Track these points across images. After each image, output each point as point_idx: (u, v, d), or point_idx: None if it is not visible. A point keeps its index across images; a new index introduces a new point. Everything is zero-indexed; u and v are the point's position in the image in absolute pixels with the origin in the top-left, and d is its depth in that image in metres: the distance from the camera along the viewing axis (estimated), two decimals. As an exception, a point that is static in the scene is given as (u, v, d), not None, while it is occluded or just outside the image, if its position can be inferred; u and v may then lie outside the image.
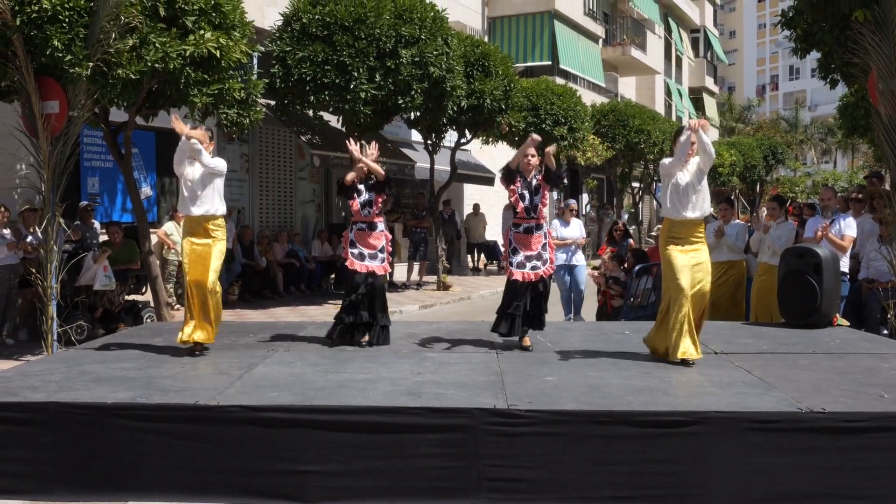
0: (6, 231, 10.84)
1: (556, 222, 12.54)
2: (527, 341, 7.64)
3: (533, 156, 7.62)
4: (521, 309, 7.59)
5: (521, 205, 7.61)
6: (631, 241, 13.20)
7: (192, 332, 7.23)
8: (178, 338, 7.30)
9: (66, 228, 10.65)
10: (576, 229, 12.57)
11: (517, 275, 7.57)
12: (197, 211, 7.28)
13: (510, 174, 7.69)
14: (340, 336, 7.88)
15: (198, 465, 5.31)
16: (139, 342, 7.95)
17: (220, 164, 7.37)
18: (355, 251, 7.85)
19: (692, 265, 6.78)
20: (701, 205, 6.87)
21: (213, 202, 7.32)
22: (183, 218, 7.53)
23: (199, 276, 7.23)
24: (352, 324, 7.83)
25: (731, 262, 10.50)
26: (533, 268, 7.57)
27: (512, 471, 5.16)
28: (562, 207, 12.68)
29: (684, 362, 6.65)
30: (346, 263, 7.89)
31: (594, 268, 12.19)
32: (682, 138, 6.86)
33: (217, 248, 7.33)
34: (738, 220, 11.11)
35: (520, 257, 7.60)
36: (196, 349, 7.30)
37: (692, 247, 6.85)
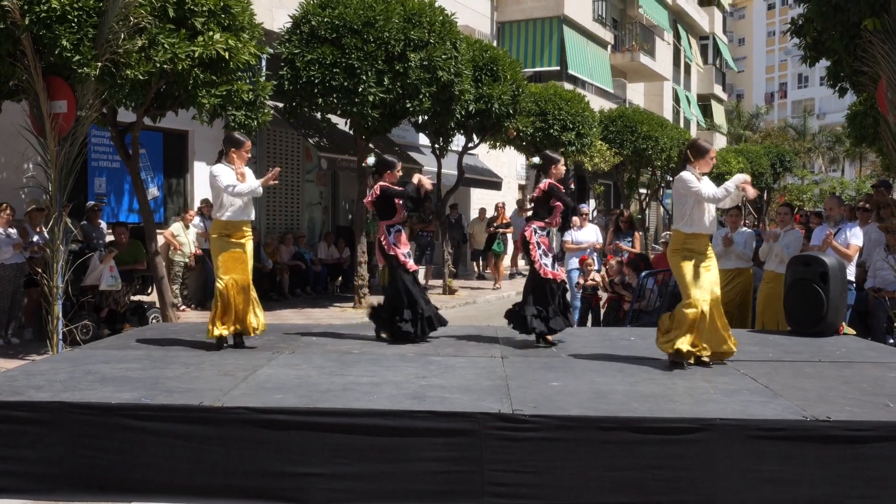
0: (12, 230, 10.85)
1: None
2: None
3: (563, 165, 8.18)
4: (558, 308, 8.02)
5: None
6: (637, 233, 13.22)
7: (250, 324, 7.75)
8: (211, 333, 7.68)
9: (73, 228, 10.67)
10: (591, 233, 12.66)
11: (551, 274, 7.93)
12: (237, 217, 7.72)
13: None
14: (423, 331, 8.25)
15: (202, 467, 5.30)
16: (144, 343, 7.97)
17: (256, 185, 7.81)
18: (403, 251, 8.24)
19: (707, 276, 6.86)
20: (715, 221, 7.05)
21: (250, 210, 7.84)
22: (218, 220, 7.83)
23: (240, 275, 7.66)
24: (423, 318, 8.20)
25: (739, 269, 10.48)
26: (556, 267, 8.05)
27: (516, 476, 5.15)
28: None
29: (676, 361, 6.81)
30: (407, 267, 8.18)
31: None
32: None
33: (250, 248, 7.86)
34: (745, 228, 11.10)
35: (549, 259, 7.98)
36: (236, 340, 7.81)
37: (705, 258, 6.92)
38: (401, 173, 8.40)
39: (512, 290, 20.02)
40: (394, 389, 5.93)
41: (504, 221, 21.18)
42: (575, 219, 12.68)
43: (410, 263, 8.22)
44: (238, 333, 7.80)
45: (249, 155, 7.98)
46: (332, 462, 5.22)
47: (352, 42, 13.93)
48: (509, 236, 21.70)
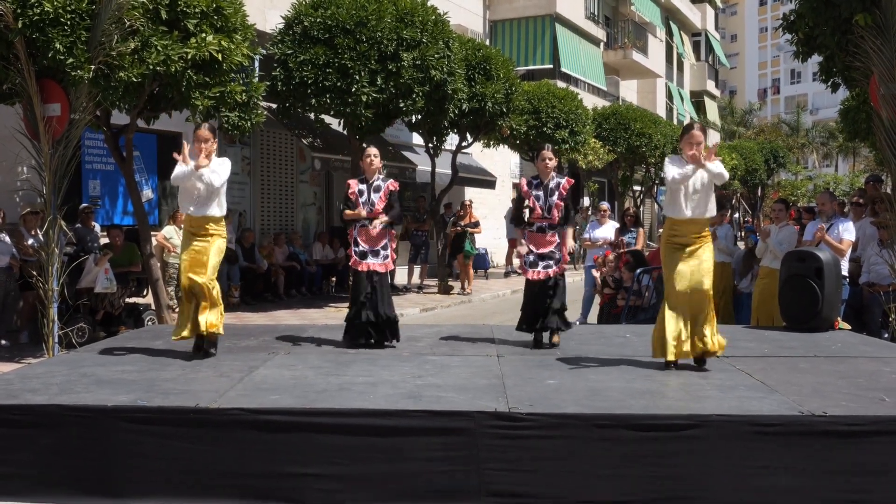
0: (4, 236, 10.82)
1: (591, 224, 12.86)
2: (556, 339, 7.88)
3: (550, 159, 7.84)
4: (530, 307, 7.80)
5: (537, 205, 7.80)
6: (641, 229, 13.30)
7: (201, 326, 7.18)
8: (175, 336, 7.35)
9: (67, 231, 10.65)
10: (609, 230, 12.76)
11: (530, 274, 7.79)
12: (197, 212, 7.24)
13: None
14: (353, 337, 7.89)
15: (198, 468, 5.30)
16: (140, 345, 7.95)
17: (221, 177, 7.26)
18: (358, 249, 7.81)
19: (690, 266, 6.61)
20: (702, 206, 6.67)
21: (213, 205, 7.26)
22: (183, 217, 7.46)
23: (195, 273, 7.15)
24: (363, 323, 7.83)
25: (722, 264, 10.59)
26: (545, 266, 7.76)
27: (512, 474, 5.15)
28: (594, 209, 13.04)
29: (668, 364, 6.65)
30: (350, 262, 7.87)
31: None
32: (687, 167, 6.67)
33: (216, 245, 7.26)
34: (727, 223, 11.27)
35: (532, 257, 7.80)
36: (207, 345, 7.28)
37: (692, 246, 6.65)
38: (373, 159, 7.89)
39: (506, 290, 20.03)
40: (390, 389, 5.94)
41: (473, 220, 19.95)
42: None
43: (359, 263, 7.79)
44: (200, 337, 7.31)
45: (205, 144, 7.17)
46: (328, 462, 5.22)
47: (344, 42, 13.94)
48: (477, 236, 20.40)
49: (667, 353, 6.65)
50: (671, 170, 6.66)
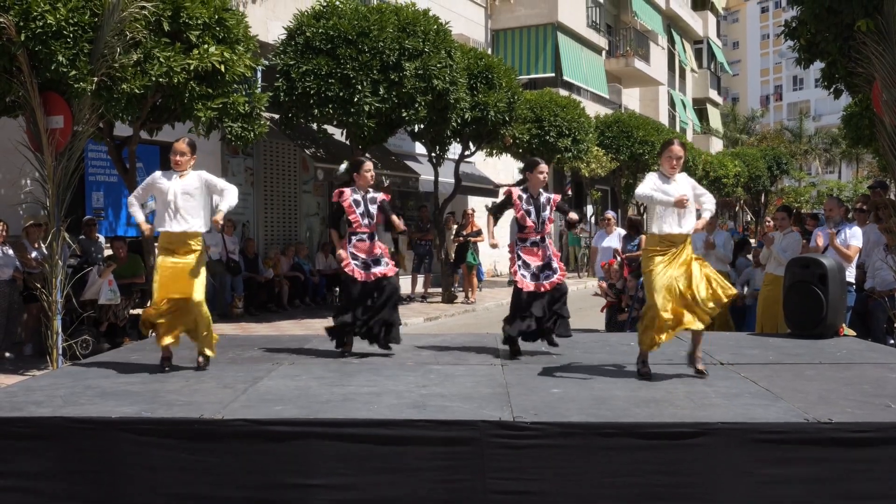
0: (7, 249, 10.83)
1: (598, 233, 13.02)
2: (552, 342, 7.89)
3: (542, 173, 7.82)
4: (533, 321, 7.69)
5: (529, 220, 7.75)
6: (643, 236, 13.34)
7: (207, 353, 7.22)
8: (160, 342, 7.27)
9: (71, 243, 10.66)
10: (615, 239, 12.88)
11: (531, 286, 7.66)
12: (178, 227, 7.16)
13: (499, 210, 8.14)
14: (341, 340, 7.90)
15: (203, 479, 5.29)
16: (144, 356, 7.93)
17: (231, 191, 7.46)
18: (358, 262, 7.77)
19: (674, 276, 6.53)
20: (688, 222, 6.65)
21: (198, 218, 7.22)
22: (160, 234, 7.30)
23: (181, 290, 7.04)
24: (362, 330, 7.83)
25: (719, 272, 10.55)
26: (546, 277, 7.70)
27: (517, 483, 5.13)
28: (601, 219, 13.17)
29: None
30: (347, 271, 7.74)
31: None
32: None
33: (200, 259, 7.19)
34: (722, 230, 11.29)
35: (532, 269, 7.71)
36: (166, 363, 7.22)
37: (675, 255, 6.59)
38: (370, 173, 7.95)
39: (510, 299, 19.96)
40: (394, 399, 5.93)
41: (475, 229, 19.50)
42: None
43: (363, 273, 7.74)
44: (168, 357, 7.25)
45: (176, 157, 7.30)
46: (333, 473, 5.21)
47: (347, 52, 13.96)
48: (481, 245, 19.86)
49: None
50: (646, 187, 6.75)
